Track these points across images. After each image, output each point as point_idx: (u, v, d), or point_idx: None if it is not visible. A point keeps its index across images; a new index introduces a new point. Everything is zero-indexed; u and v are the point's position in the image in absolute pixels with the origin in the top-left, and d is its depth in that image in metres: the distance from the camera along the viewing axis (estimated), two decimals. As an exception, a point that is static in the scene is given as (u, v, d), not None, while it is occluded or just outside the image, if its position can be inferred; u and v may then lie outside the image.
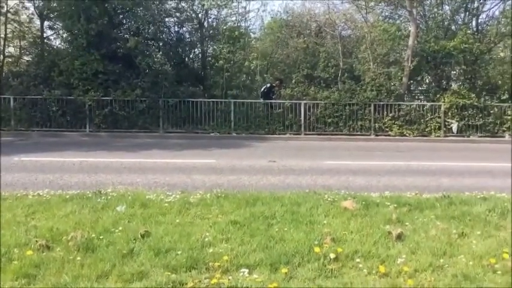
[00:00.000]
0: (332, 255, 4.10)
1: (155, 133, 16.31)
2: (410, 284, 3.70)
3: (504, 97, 17.56)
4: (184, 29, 19.35)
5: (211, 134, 16.40)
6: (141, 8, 17.44)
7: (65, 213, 5.38)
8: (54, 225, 4.89)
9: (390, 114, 16.89)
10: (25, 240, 4.44)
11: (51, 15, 18.46)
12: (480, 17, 19.80)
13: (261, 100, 17.72)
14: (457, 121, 16.94)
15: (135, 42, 16.21)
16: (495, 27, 19.35)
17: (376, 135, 16.80)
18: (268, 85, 18.13)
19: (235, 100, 17.13)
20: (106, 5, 16.48)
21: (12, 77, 17.39)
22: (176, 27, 19.28)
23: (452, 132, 16.93)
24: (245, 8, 19.56)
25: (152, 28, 17.84)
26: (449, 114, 17.04)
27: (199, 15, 18.73)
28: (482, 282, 3.79)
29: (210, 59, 19.07)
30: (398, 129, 16.76)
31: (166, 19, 18.84)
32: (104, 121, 16.34)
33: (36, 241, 4.32)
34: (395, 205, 5.79)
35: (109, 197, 6.07)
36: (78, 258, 4.06)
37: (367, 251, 4.31)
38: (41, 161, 9.90)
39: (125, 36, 17.39)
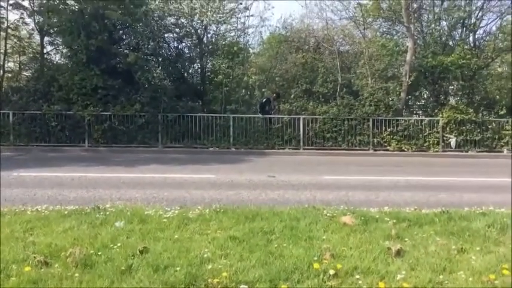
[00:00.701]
0: (331, 272, 4.07)
1: (154, 148, 16.34)
2: (410, 300, 3.68)
3: (502, 112, 17.67)
4: (183, 44, 19.55)
5: (210, 149, 16.42)
6: (140, 24, 17.58)
7: (63, 229, 5.35)
8: (52, 241, 4.86)
9: (388, 129, 16.96)
10: (23, 256, 4.40)
11: (51, 31, 18.62)
12: (477, 32, 20.05)
13: (259, 114, 17.83)
14: (455, 136, 16.99)
15: (134, 58, 16.32)
16: (492, 43, 19.54)
17: (375, 150, 16.84)
18: (265, 99, 18.31)
19: (234, 115, 17.21)
20: (106, 21, 16.64)
21: (11, 92, 17.46)
22: (175, 42, 19.48)
23: (451, 147, 16.98)
24: (244, 23, 19.75)
25: (152, 44, 17.99)
26: (448, 129, 17.12)
27: (199, 30, 18.87)
28: (482, 298, 3.78)
29: (209, 74, 19.18)
30: (397, 144, 16.81)
31: (166, 35, 19.01)
32: (103, 136, 16.38)
33: (35, 257, 4.28)
34: (394, 220, 5.76)
35: (107, 213, 6.04)
36: (77, 274, 4.03)
37: (367, 267, 4.28)
38: (40, 176, 9.89)
39: (125, 51, 17.53)
